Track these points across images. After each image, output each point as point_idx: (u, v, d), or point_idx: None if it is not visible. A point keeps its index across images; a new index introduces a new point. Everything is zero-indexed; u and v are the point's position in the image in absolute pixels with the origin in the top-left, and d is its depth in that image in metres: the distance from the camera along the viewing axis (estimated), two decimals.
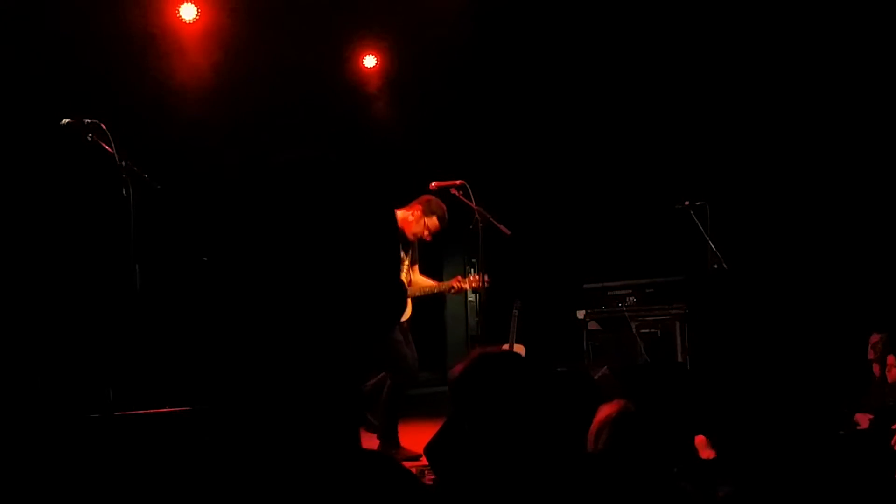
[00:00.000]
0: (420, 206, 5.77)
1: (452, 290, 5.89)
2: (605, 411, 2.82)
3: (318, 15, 7.64)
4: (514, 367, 2.50)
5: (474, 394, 2.46)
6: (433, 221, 5.78)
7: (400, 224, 5.80)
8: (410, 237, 5.84)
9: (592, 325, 7.73)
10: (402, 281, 5.41)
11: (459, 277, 5.89)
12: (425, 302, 8.07)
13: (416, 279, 5.95)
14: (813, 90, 7.41)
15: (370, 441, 5.77)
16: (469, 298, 9.77)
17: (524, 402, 2.44)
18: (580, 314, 7.73)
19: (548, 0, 8.02)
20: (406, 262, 5.87)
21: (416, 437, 5.71)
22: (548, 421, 2.52)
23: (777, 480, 4.06)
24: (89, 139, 4.48)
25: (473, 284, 5.88)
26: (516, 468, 2.41)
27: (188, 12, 7.23)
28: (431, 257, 6.24)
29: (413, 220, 5.78)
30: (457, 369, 2.50)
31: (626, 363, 7.10)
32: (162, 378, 5.20)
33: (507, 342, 8.11)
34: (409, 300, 5.85)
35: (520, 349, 8.10)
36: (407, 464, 5.39)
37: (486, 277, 5.83)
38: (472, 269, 6.37)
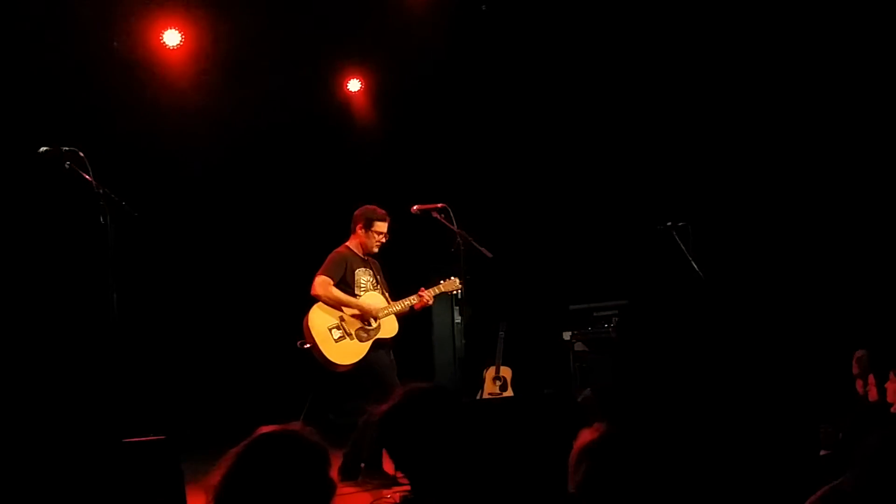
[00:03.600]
0: (360, 223, 5.85)
1: (420, 301, 5.88)
2: (585, 437, 2.72)
3: (302, 40, 7.68)
4: (441, 402, 2.43)
5: (402, 432, 2.38)
6: (378, 226, 5.84)
7: (358, 250, 5.88)
8: (373, 252, 5.91)
9: (579, 347, 7.71)
10: None
11: (423, 289, 5.91)
12: (412, 325, 8.08)
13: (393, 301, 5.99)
14: (793, 111, 7.46)
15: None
16: (456, 321, 9.76)
17: (453, 438, 2.37)
18: (566, 336, 7.72)
19: (530, 22, 8.08)
20: (378, 286, 5.92)
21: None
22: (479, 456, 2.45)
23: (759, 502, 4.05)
24: (67, 167, 4.48)
25: (449, 288, 5.93)
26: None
27: (172, 38, 7.26)
28: (417, 280, 6.23)
29: (364, 237, 5.85)
30: (382, 408, 2.43)
31: (612, 384, 7.09)
32: (137, 405, 5.17)
33: (493, 364, 8.12)
34: (395, 318, 5.87)
35: (506, 371, 8.10)
36: (387, 491, 5.39)
37: (457, 280, 5.91)
38: (459, 293, 6.35)
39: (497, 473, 2.46)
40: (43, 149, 4.50)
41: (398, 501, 4.98)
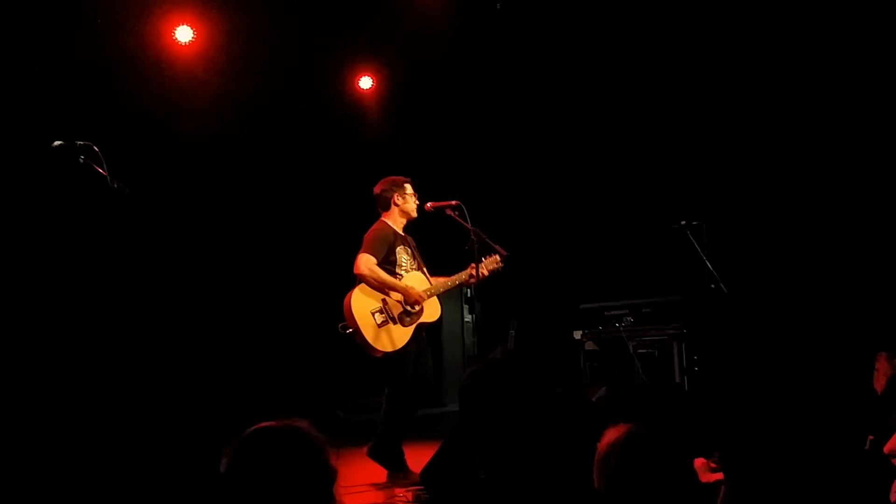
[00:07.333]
0: (395, 194, 5.67)
1: (472, 279, 5.68)
2: (612, 435, 2.70)
3: (313, 37, 7.67)
4: (522, 372, 2.45)
5: (482, 399, 2.40)
6: (408, 188, 5.72)
7: (398, 225, 5.70)
8: (413, 216, 5.73)
9: (590, 346, 7.69)
10: None
11: (473, 265, 5.64)
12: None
13: (432, 278, 5.82)
14: (808, 110, 7.42)
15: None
16: (466, 319, 9.73)
17: (530, 408, 2.39)
18: (577, 335, 7.70)
19: (544, 20, 8.06)
20: (417, 265, 5.73)
21: (411, 459, 5.63)
22: (548, 438, 2.47)
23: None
24: (82, 161, 4.47)
25: (491, 267, 5.76)
26: (516, 491, 2.36)
27: (184, 35, 7.26)
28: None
29: (403, 203, 5.69)
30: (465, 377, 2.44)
31: (624, 384, 7.06)
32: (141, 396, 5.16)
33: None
34: (437, 300, 5.70)
35: None
36: (401, 489, 5.33)
37: (498, 258, 5.75)
38: (469, 291, 6.32)
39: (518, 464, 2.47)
40: (57, 143, 4.50)
41: (411, 500, 4.95)
